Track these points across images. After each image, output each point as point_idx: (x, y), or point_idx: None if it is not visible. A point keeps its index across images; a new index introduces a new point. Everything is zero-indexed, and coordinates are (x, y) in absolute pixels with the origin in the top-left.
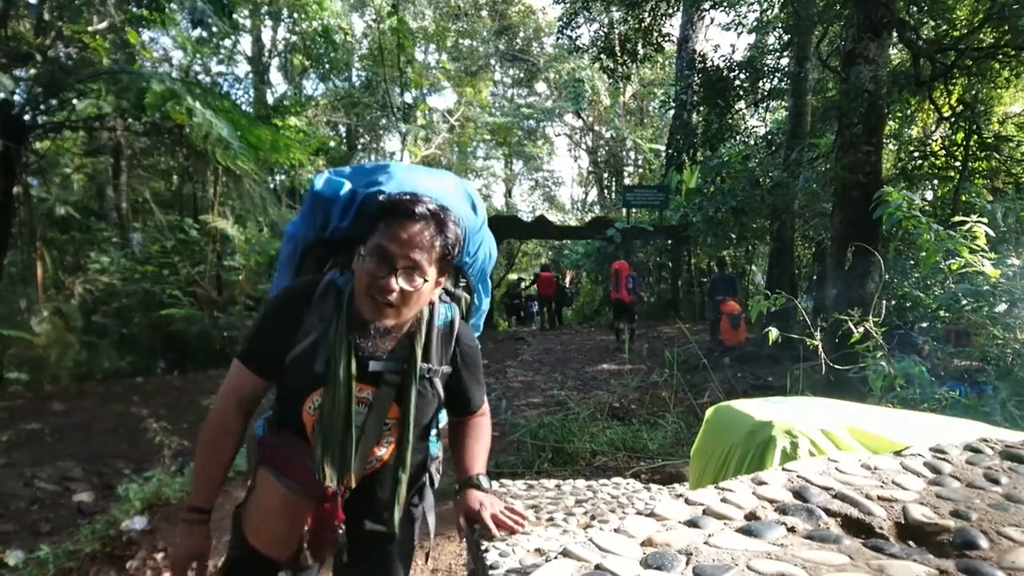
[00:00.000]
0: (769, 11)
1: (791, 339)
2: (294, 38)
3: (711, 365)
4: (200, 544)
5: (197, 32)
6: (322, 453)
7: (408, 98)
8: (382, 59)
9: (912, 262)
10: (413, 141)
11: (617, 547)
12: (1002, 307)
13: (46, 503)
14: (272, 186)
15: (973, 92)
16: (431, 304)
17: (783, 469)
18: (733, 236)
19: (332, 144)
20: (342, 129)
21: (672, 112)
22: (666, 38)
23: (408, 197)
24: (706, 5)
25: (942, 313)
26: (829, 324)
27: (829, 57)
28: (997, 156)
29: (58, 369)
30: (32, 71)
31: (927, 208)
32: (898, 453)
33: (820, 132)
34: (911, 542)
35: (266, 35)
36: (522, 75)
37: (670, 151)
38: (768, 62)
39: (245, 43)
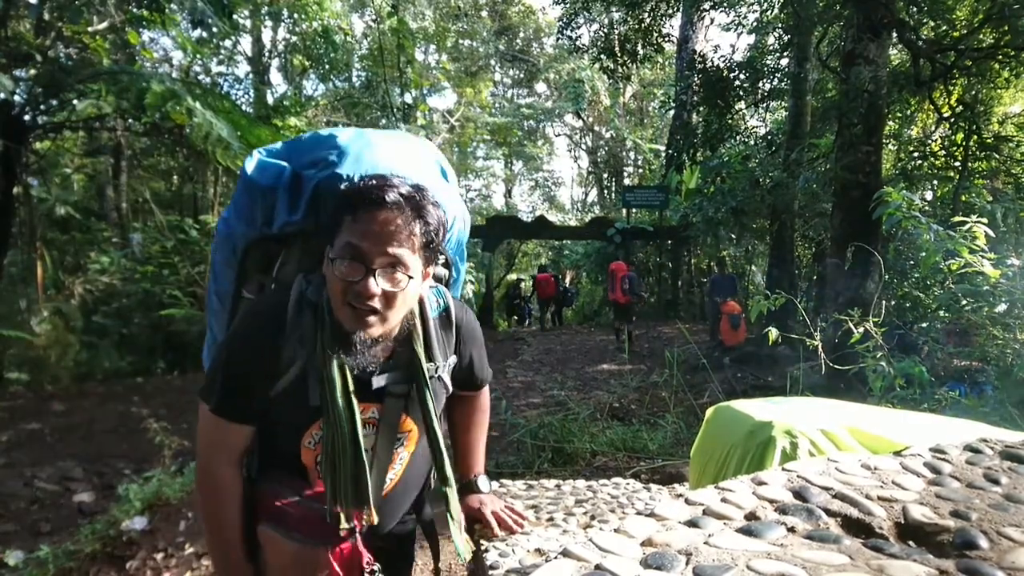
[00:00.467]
0: (769, 11)
1: (791, 339)
2: (294, 38)
3: (711, 365)
4: None
5: (197, 32)
6: (333, 491)
7: (408, 98)
8: (382, 59)
9: (912, 262)
10: None
11: (617, 547)
12: (1002, 307)
13: (46, 503)
14: None
15: (973, 92)
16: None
17: (783, 469)
18: (733, 236)
19: None
20: None
21: (672, 112)
22: (666, 38)
23: (375, 182)
24: (706, 5)
25: (942, 313)
26: (829, 324)
27: (829, 57)
28: (997, 156)
29: (58, 369)
30: (32, 71)
31: (927, 208)
32: (898, 453)
33: (820, 132)
34: (911, 542)
35: (266, 35)
36: (522, 75)
37: (670, 151)
38: (768, 62)
39: (245, 43)
